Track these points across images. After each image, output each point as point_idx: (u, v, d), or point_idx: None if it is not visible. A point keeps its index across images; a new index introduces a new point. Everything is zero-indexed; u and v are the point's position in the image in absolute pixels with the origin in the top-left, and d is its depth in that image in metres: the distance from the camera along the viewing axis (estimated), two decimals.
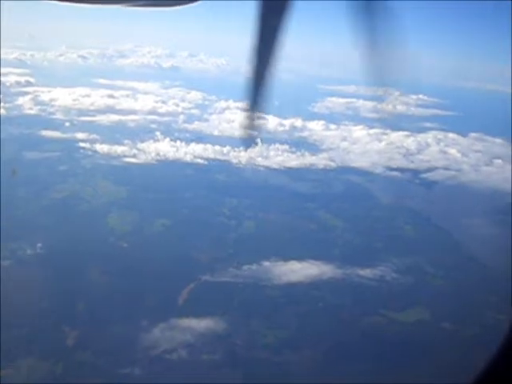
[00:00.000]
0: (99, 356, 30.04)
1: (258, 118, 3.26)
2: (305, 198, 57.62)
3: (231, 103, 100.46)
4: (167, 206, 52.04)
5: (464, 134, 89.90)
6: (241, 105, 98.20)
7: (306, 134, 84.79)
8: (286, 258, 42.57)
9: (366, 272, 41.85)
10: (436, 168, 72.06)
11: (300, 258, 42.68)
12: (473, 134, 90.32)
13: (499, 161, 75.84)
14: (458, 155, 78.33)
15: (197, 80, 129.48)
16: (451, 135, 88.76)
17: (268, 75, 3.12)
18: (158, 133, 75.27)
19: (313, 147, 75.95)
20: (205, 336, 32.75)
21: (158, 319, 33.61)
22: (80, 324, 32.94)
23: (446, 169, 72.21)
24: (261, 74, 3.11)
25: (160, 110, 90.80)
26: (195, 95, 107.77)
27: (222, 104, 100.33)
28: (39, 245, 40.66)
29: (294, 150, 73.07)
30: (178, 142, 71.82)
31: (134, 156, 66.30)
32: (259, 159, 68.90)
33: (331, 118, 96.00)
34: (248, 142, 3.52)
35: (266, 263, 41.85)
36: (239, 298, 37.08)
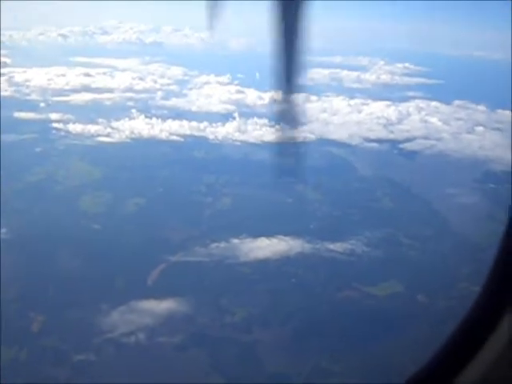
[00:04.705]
0: (62, 342, 29.54)
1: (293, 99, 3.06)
2: (284, 171, 56.60)
3: (212, 78, 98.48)
4: (142, 184, 51.12)
5: (448, 102, 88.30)
6: (221, 79, 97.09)
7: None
8: (257, 234, 41.79)
9: (337, 246, 41.26)
10: (415, 138, 70.90)
11: (272, 233, 41.94)
12: (457, 102, 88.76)
13: (480, 128, 74.79)
14: (439, 124, 76.96)
15: (179, 55, 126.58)
16: (434, 104, 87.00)
17: (297, 56, 2.99)
18: (133, 110, 73.70)
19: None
20: (172, 317, 32.27)
21: (125, 302, 33.05)
22: (47, 309, 32.39)
23: (426, 138, 70.94)
24: (290, 56, 3.00)
25: (137, 87, 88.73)
26: (175, 71, 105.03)
27: (203, 79, 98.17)
28: (3, 230, 39.77)
29: (272, 123, 71.74)
30: (154, 119, 70.28)
31: (108, 135, 64.82)
32: (237, 134, 67.66)
33: (314, 90, 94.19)
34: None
35: (235, 240, 41.06)
36: (208, 277, 36.48)
